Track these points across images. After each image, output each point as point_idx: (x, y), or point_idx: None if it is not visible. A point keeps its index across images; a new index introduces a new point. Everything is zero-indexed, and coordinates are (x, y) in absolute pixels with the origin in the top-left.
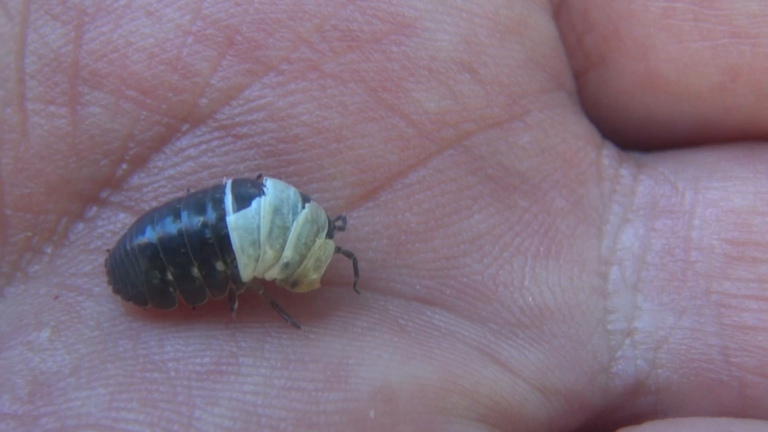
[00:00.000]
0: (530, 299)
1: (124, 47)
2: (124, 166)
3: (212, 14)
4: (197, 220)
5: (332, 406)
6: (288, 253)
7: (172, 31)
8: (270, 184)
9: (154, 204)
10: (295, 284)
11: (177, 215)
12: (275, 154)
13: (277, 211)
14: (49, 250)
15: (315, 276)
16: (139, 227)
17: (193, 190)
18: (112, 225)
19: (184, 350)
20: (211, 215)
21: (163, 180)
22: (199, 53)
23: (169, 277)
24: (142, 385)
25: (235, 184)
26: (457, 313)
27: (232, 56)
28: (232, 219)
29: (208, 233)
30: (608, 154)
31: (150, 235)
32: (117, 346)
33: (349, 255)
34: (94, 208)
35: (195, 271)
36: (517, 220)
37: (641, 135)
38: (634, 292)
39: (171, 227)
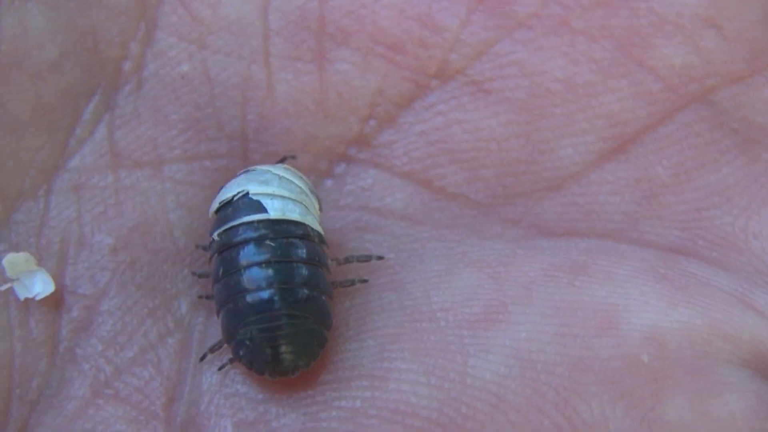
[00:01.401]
0: None
1: (371, 4)
2: (373, 122)
3: None
4: (261, 235)
5: (606, 351)
6: (313, 188)
7: None
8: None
9: (406, 160)
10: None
11: (243, 256)
12: (527, 109)
13: (268, 176)
14: None
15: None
16: (235, 306)
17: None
18: (363, 182)
19: (451, 300)
20: (265, 225)
21: (413, 136)
22: (448, 9)
23: (311, 287)
24: (413, 335)
25: (233, 200)
26: (711, 263)
27: (481, 12)
28: (276, 203)
29: (282, 231)
30: None
31: (259, 293)
32: (382, 299)
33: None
34: (343, 165)
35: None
36: (761, 172)
37: None
38: None
39: (260, 272)
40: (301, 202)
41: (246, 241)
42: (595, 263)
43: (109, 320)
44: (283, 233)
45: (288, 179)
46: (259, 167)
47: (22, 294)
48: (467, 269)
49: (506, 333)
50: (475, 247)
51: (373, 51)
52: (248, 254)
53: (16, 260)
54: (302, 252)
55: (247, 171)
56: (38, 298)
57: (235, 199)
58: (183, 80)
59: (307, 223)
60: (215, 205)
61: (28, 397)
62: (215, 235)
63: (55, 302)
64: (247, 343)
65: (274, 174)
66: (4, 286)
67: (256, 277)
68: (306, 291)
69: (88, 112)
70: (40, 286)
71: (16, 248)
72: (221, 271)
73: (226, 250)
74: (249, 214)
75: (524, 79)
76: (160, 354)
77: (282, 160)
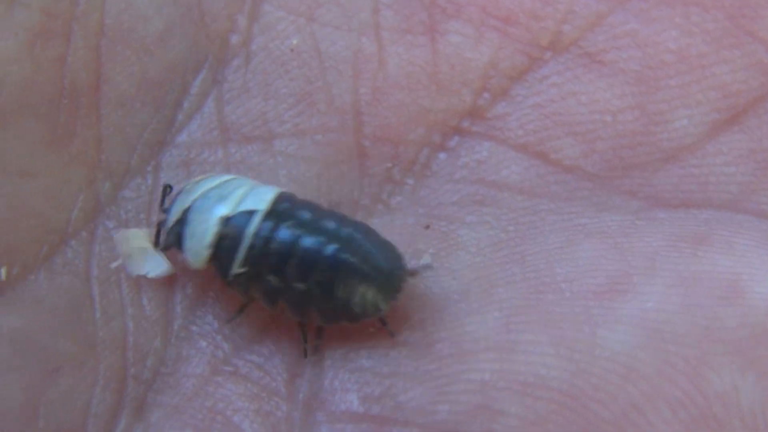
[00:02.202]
0: None
1: None
2: (486, 95)
3: None
4: (276, 223)
5: (733, 321)
6: None
7: None
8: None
9: (520, 132)
10: None
11: (292, 247)
12: (642, 80)
13: (215, 191)
14: (411, 181)
15: None
16: (331, 284)
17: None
18: (477, 155)
19: (575, 271)
20: (269, 216)
21: (527, 109)
22: None
23: (339, 220)
24: (538, 307)
25: (223, 233)
26: None
27: None
28: (252, 198)
29: (282, 207)
30: None
31: (329, 252)
32: (504, 271)
33: None
34: (457, 138)
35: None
36: None
37: None
38: None
39: (313, 241)
40: (255, 182)
41: (277, 238)
42: (716, 233)
43: (226, 298)
44: (286, 207)
45: (227, 179)
46: (193, 193)
47: (134, 271)
48: (588, 240)
49: (633, 303)
50: (594, 219)
51: (485, 23)
52: (292, 239)
53: (128, 236)
54: (309, 206)
55: (190, 208)
56: (150, 275)
57: (222, 231)
58: (292, 54)
59: (282, 189)
60: (203, 254)
61: (143, 376)
62: (239, 270)
63: (169, 280)
64: (366, 292)
65: (213, 185)
66: (115, 263)
67: (318, 248)
68: (341, 223)
69: (195, 87)
70: (153, 263)
71: (126, 225)
72: (289, 277)
73: (271, 264)
74: (250, 225)
75: (638, 50)
76: (280, 330)
77: (164, 191)
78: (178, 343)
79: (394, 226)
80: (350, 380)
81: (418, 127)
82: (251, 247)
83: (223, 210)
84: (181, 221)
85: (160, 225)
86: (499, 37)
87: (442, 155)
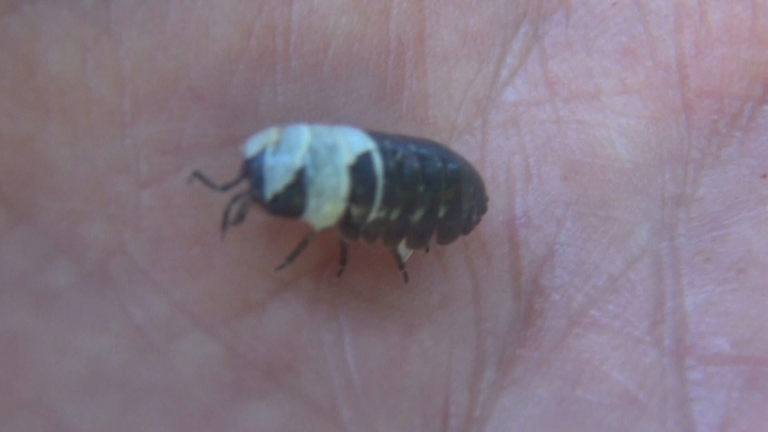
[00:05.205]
0: None
1: None
2: None
3: None
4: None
5: None
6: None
7: None
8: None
9: None
10: None
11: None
12: None
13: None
14: (738, 134)
15: None
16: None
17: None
18: None
19: None
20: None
21: None
22: None
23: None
24: None
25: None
26: None
27: None
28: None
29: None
30: None
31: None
32: None
33: None
34: None
35: None
36: None
37: None
38: None
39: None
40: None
41: (404, 169)
42: None
43: (571, 251)
44: (379, 140)
45: (299, 128)
46: (293, 152)
47: None
48: None
49: None
50: None
51: None
52: (418, 166)
53: None
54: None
55: (306, 167)
56: None
57: (354, 179)
58: (614, 8)
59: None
60: (339, 208)
61: (498, 330)
62: (377, 215)
63: (510, 236)
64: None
65: (306, 138)
66: None
67: (441, 167)
68: (424, 144)
69: (517, 42)
70: None
71: None
72: (416, 206)
73: (401, 198)
74: (376, 165)
75: None
76: (632, 279)
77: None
78: (528, 297)
79: (728, 177)
80: (717, 324)
81: (741, 80)
82: (385, 186)
83: (346, 158)
84: (298, 183)
85: (247, 199)
86: None
87: (765, 107)
